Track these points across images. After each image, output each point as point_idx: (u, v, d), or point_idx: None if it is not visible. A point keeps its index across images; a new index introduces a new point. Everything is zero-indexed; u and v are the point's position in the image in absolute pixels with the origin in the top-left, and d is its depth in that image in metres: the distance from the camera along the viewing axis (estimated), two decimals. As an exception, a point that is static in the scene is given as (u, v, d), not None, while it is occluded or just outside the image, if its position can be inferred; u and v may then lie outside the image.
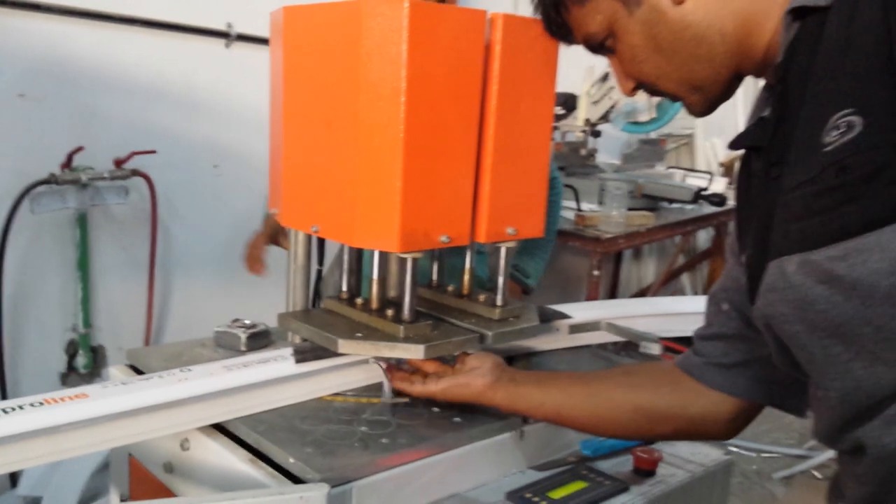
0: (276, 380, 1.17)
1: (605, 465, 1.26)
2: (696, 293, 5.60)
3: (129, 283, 2.52)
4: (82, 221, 2.33)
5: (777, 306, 0.82)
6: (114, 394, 1.00)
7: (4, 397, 2.22)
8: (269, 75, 1.37)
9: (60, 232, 2.33)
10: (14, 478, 2.25)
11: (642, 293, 4.84)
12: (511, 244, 1.34)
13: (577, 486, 1.17)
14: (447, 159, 1.18)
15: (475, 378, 1.20)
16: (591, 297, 2.98)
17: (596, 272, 2.95)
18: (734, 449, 3.18)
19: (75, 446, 0.96)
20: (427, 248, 1.20)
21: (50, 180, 2.18)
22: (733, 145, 0.97)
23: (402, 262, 1.25)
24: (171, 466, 1.20)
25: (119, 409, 0.98)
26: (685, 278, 5.56)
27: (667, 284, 5.14)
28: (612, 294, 4.86)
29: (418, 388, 1.22)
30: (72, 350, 2.41)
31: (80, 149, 2.23)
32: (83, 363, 2.41)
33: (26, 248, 2.26)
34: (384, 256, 1.34)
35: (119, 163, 2.32)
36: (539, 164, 1.34)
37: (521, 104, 1.26)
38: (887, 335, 0.75)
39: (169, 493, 1.21)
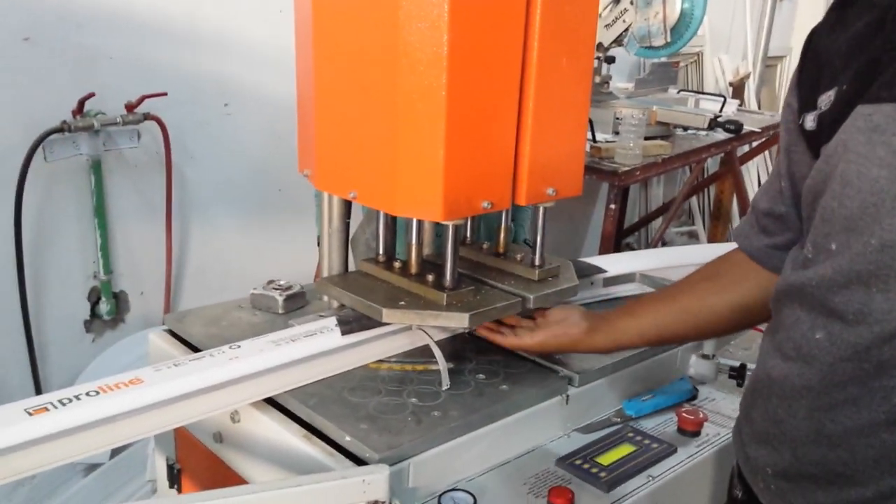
0: (322, 352, 1.16)
1: (649, 425, 1.27)
2: (703, 216, 5.59)
3: (146, 228, 2.50)
4: (96, 167, 2.29)
5: (874, 147, 0.82)
6: (168, 378, 1.00)
7: (30, 346, 2.22)
8: (295, 31, 1.32)
9: (75, 179, 2.29)
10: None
11: (651, 217, 4.83)
12: (550, 204, 1.31)
13: (625, 449, 1.18)
14: (489, 123, 1.15)
15: (570, 327, 1.23)
16: (608, 230, 2.96)
17: (613, 206, 2.93)
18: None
19: (132, 433, 0.96)
20: (469, 215, 1.18)
21: (63, 128, 2.13)
22: None
23: (442, 226, 1.23)
24: (220, 437, 1.20)
25: (175, 394, 0.98)
26: (693, 201, 5.54)
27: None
28: (621, 219, 4.84)
29: (512, 339, 1.26)
30: (94, 297, 2.41)
31: (91, 94, 2.16)
32: (106, 310, 2.41)
33: (42, 196, 2.22)
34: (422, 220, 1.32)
35: (130, 107, 2.26)
36: (579, 121, 1.31)
37: (562, 60, 1.22)
38: None
39: (219, 462, 1.22)
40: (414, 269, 1.29)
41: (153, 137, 2.42)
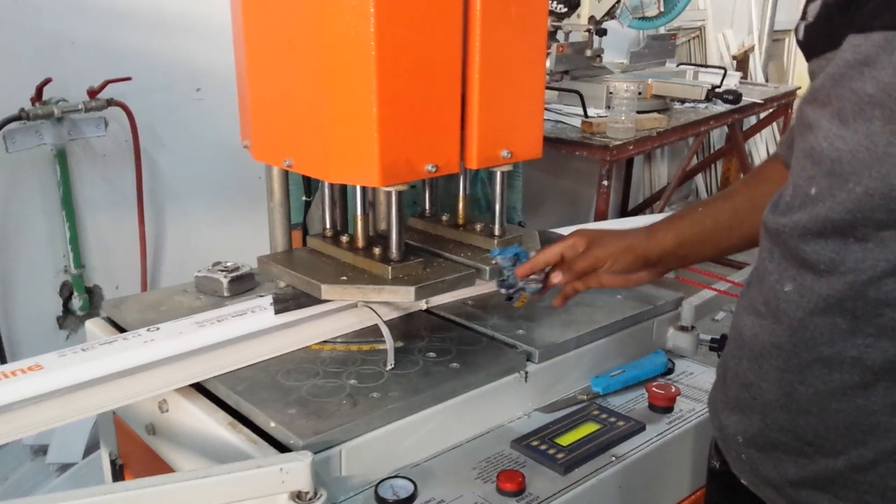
0: (254, 333, 1.07)
1: (619, 402, 1.17)
2: (709, 193, 5.45)
3: (118, 219, 2.42)
4: (62, 157, 2.21)
5: (865, 83, 0.73)
6: (72, 363, 0.91)
7: (0, 347, 2.15)
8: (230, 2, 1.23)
9: (40, 170, 2.21)
10: (19, 424, 2.22)
11: (656, 197, 4.70)
12: (507, 167, 1.22)
13: (588, 428, 1.09)
14: (428, 79, 1.05)
15: (627, 276, 1.13)
16: (601, 208, 2.85)
17: (605, 182, 2.82)
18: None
19: (29, 424, 0.87)
20: (412, 180, 1.08)
21: (21, 116, 2.05)
22: None
23: (389, 194, 1.13)
24: (152, 428, 1.12)
25: (76, 381, 0.89)
26: (699, 179, 5.40)
27: (680, 187, 4.99)
28: (625, 200, 4.73)
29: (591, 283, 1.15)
30: (66, 292, 2.33)
31: (48, 80, 2.08)
32: (79, 305, 2.33)
33: (6, 189, 2.15)
34: (368, 189, 1.23)
35: (93, 93, 2.18)
36: (534, 78, 1.20)
37: (511, 9, 1.12)
38: None
39: (153, 456, 1.14)
40: (360, 242, 1.20)
41: (121, 125, 2.33)
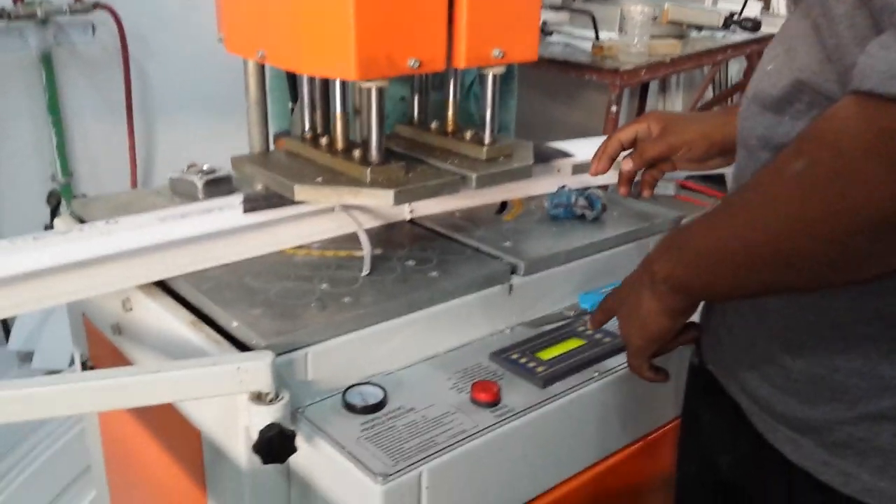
0: (221, 232, 1.02)
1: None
2: (724, 129, 5.32)
3: (107, 127, 2.35)
4: (47, 62, 2.13)
5: None
6: (19, 251, 0.86)
7: (-15, 252, 2.11)
8: None
9: (25, 75, 2.14)
10: (7, 333, 2.20)
11: (666, 130, 4.58)
12: (499, 69, 1.14)
13: (572, 343, 1.03)
14: (414, -38, 0.96)
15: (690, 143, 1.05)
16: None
17: (614, 108, 2.72)
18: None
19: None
20: (393, 75, 1.01)
21: (2, 15, 1.97)
22: None
23: (369, 93, 1.06)
24: (118, 328, 1.08)
25: (25, 271, 0.84)
26: (714, 114, 5.26)
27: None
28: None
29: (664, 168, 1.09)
30: (53, 201, 2.28)
31: (29, -22, 2.00)
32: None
33: (-11, 93, 2.09)
34: (350, 87, 1.16)
35: (78, -6, 2.09)
36: (531, -28, 1.11)
37: None
38: None
39: (120, 357, 1.10)
40: (340, 144, 1.13)
41: (109, 32, 2.25)
